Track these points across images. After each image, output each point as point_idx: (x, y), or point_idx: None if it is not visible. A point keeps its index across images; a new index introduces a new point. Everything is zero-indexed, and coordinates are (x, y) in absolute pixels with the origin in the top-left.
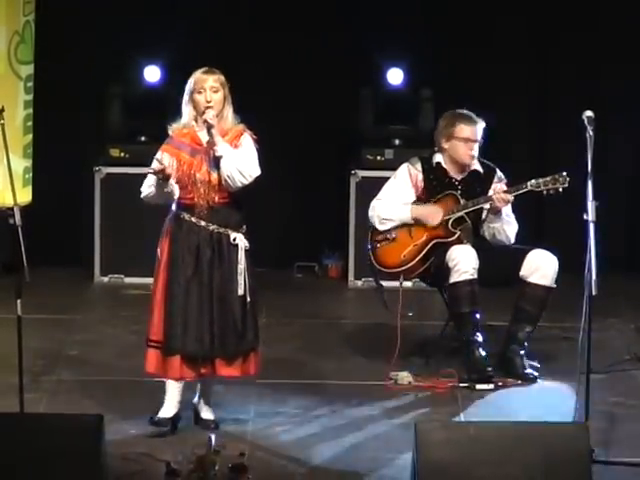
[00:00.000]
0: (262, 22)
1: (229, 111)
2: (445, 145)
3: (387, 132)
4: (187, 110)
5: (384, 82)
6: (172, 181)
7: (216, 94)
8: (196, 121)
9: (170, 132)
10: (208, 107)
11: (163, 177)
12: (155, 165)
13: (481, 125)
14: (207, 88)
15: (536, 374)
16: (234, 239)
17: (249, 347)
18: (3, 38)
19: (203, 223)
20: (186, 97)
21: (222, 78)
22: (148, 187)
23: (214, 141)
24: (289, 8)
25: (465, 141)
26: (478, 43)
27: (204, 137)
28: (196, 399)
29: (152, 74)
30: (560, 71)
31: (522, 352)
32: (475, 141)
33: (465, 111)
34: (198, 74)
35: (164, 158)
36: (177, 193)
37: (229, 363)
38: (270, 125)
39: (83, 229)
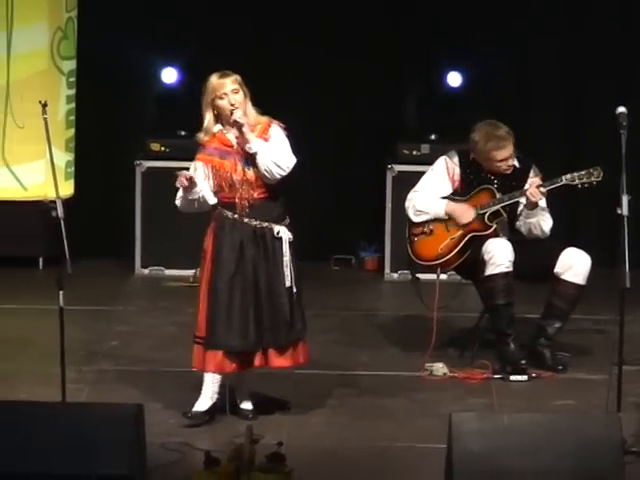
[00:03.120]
0: (295, 19)
1: (250, 107)
2: (481, 161)
3: (423, 127)
4: (208, 116)
5: (430, 81)
6: (198, 189)
7: (237, 94)
8: (222, 125)
9: (199, 141)
10: (234, 109)
11: (189, 187)
12: (178, 181)
13: (512, 139)
14: (228, 92)
15: (565, 366)
16: (277, 232)
17: (298, 337)
18: (46, 34)
19: (246, 219)
20: (205, 102)
21: (238, 78)
22: (179, 199)
23: (247, 139)
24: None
25: (500, 162)
26: (512, 42)
27: (232, 138)
28: (234, 390)
29: (170, 75)
30: (594, 67)
31: (551, 345)
32: (510, 157)
33: (497, 131)
34: (215, 80)
35: (198, 168)
36: (211, 200)
37: (281, 354)
38: (308, 121)
39: (124, 222)
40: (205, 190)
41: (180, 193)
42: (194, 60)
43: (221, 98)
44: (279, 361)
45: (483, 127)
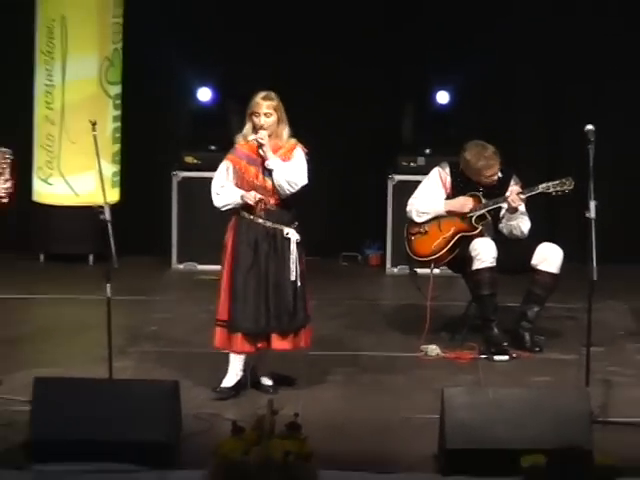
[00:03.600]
0: (313, 44)
1: (283, 129)
2: (471, 176)
3: (419, 143)
4: (248, 125)
5: (422, 100)
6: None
7: (269, 118)
8: (255, 135)
9: (235, 142)
10: (261, 129)
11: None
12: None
13: (498, 158)
14: (262, 113)
15: (542, 347)
16: (287, 233)
17: (300, 324)
18: (95, 63)
19: (260, 221)
20: (247, 114)
21: (275, 103)
22: (225, 203)
23: (266, 156)
24: (336, 32)
25: (488, 177)
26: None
27: (260, 150)
28: (255, 369)
29: (205, 94)
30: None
31: (531, 328)
32: (496, 173)
33: (485, 152)
34: (257, 99)
35: (229, 166)
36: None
37: (283, 338)
38: (321, 137)
39: (162, 224)
40: (236, 192)
41: (228, 200)
42: (226, 81)
43: (256, 115)
44: (282, 344)
45: (474, 148)
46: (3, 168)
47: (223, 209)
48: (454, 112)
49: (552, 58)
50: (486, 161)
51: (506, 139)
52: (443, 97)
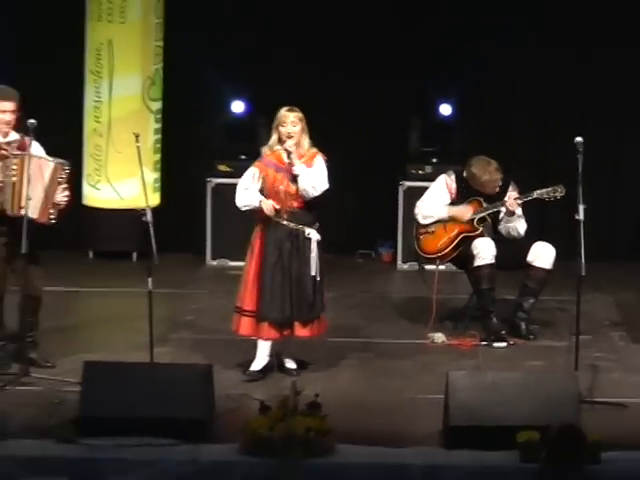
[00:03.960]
0: (334, 65)
1: (305, 139)
2: (476, 186)
3: (427, 152)
4: (274, 137)
5: (427, 113)
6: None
7: (295, 127)
8: (281, 145)
9: (262, 152)
10: (289, 137)
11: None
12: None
13: (500, 172)
14: (289, 123)
15: (536, 335)
16: (308, 233)
17: (317, 314)
18: (139, 82)
19: (285, 222)
20: (273, 126)
21: (300, 115)
22: (245, 204)
23: (293, 163)
24: (349, 52)
25: (492, 188)
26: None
27: (286, 157)
28: (280, 354)
29: (238, 107)
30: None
31: (526, 318)
32: (498, 185)
33: (489, 167)
34: (283, 112)
35: (255, 173)
36: (257, 201)
37: (304, 326)
38: (340, 147)
39: (198, 224)
40: (256, 196)
41: (248, 202)
42: (257, 95)
43: (283, 126)
44: (303, 332)
45: (479, 163)
46: (62, 178)
47: (243, 209)
48: (456, 123)
49: (545, 71)
50: (490, 175)
51: (503, 144)
52: (446, 109)
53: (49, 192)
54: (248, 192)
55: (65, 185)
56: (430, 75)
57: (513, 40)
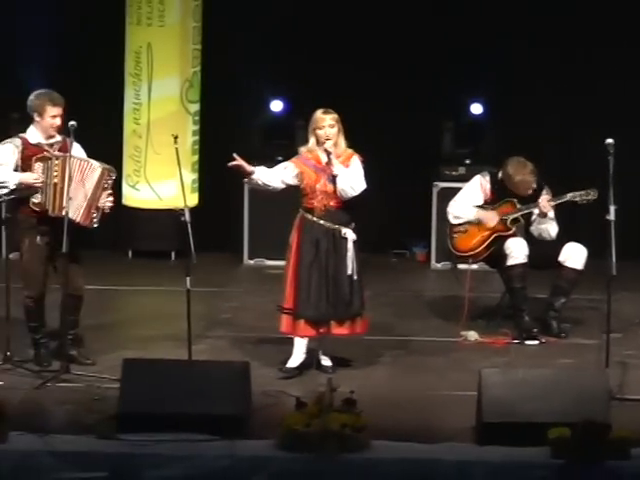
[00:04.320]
0: (367, 66)
1: (342, 140)
2: (510, 187)
3: (460, 154)
4: (312, 140)
5: (459, 113)
6: (255, 176)
7: (332, 129)
8: (318, 147)
9: (300, 152)
10: (327, 139)
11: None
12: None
13: (535, 175)
14: (326, 125)
15: (567, 334)
16: (344, 233)
17: (355, 312)
18: (177, 85)
19: (322, 222)
20: (310, 129)
21: (336, 116)
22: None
23: (332, 163)
24: (383, 54)
25: (525, 190)
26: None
27: (324, 158)
28: (317, 351)
29: (277, 106)
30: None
31: (557, 317)
32: (532, 187)
33: (525, 169)
34: (319, 114)
35: (289, 166)
36: (274, 183)
37: (340, 324)
38: (374, 148)
39: (235, 224)
40: (265, 178)
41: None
42: (297, 94)
43: (320, 129)
44: (339, 330)
45: (515, 164)
46: (108, 183)
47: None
48: (487, 123)
49: (576, 71)
50: (523, 177)
51: (533, 143)
52: (477, 108)
53: (94, 196)
54: (270, 171)
55: (110, 191)
56: (460, 76)
57: (544, 40)
